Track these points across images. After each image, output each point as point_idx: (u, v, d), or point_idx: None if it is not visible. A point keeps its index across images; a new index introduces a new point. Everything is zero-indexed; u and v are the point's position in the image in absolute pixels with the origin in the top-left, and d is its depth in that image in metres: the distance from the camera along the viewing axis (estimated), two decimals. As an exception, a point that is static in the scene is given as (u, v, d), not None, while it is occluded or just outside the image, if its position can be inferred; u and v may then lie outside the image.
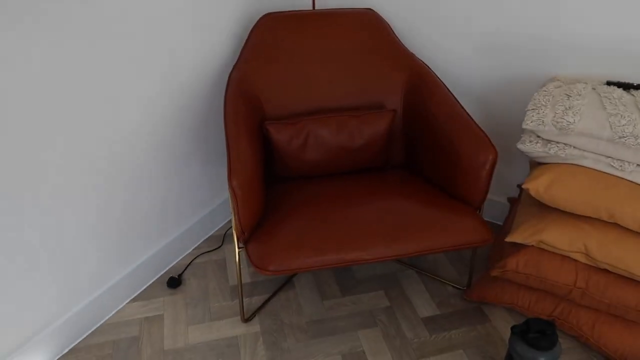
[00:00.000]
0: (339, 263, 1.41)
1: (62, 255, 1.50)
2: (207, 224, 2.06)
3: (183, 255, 1.97)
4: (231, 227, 2.11)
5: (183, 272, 1.88)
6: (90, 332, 1.65)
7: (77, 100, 1.41)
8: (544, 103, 1.47)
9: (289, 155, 1.68)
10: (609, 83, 1.57)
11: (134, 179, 1.66)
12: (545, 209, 1.50)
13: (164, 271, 1.89)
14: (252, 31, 1.82)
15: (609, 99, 1.45)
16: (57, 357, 1.56)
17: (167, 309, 1.73)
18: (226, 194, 2.14)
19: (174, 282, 1.82)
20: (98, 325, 1.67)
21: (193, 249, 2.00)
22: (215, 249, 2.00)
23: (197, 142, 1.89)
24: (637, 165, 1.38)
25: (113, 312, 1.72)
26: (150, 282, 1.84)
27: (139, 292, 1.80)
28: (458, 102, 1.64)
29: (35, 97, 1.30)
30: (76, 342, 1.61)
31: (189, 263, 1.93)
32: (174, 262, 1.93)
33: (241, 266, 1.91)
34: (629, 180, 1.38)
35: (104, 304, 1.68)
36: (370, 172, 1.79)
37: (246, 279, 1.85)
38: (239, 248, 1.55)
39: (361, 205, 1.54)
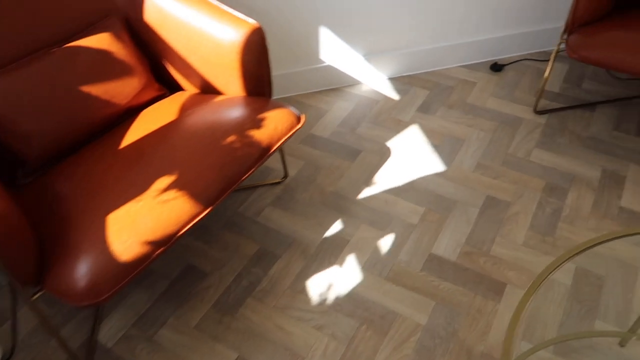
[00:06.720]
0: None
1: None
2: (532, 40, 2.31)
3: (511, 55, 2.31)
4: (560, 50, 2.32)
5: (507, 64, 2.25)
6: (424, 71, 2.23)
7: None
8: None
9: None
10: None
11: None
12: None
13: (492, 58, 2.29)
14: None
15: None
16: (397, 76, 2.21)
17: (481, 80, 2.17)
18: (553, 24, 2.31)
19: (496, 67, 2.21)
20: (430, 70, 2.24)
21: (522, 54, 2.32)
22: (543, 60, 2.27)
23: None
24: None
25: (442, 67, 2.25)
26: (479, 60, 2.27)
27: (467, 63, 2.26)
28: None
29: None
30: (412, 73, 2.22)
31: (515, 61, 2.27)
32: (502, 56, 2.30)
33: (553, 68, 2.18)
34: None
35: (440, 56, 2.21)
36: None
37: (554, 88, 2.11)
38: (558, 49, 1.80)
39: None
